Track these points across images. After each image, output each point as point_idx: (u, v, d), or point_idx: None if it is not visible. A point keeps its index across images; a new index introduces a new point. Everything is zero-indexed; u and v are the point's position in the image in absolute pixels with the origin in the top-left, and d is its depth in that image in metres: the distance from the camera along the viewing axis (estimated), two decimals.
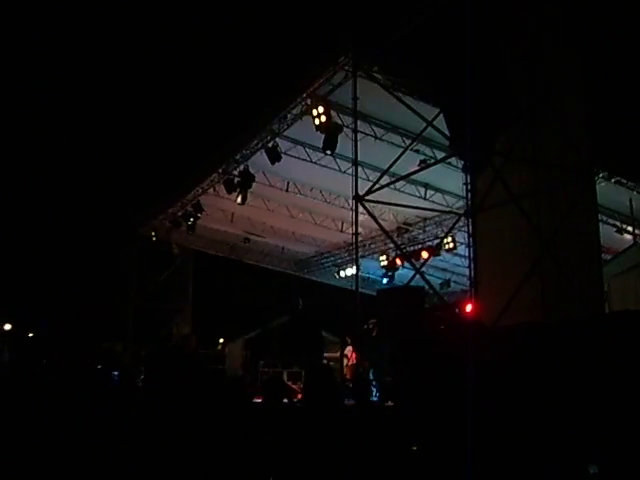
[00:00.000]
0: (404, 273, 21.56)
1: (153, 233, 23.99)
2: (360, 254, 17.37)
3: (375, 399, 11.74)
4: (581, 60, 12.14)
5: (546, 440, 6.17)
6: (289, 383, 17.02)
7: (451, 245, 20.39)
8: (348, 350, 15.72)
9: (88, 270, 27.30)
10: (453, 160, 14.94)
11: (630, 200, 16.75)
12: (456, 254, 20.97)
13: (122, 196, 25.66)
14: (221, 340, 26.71)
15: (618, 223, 18.29)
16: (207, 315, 26.91)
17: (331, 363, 16.83)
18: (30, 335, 26.20)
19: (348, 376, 14.74)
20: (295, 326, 14.38)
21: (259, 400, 7.27)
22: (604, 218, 16.97)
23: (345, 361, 15.33)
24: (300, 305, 15.34)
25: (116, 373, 12.02)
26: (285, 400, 7.13)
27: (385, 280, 23.48)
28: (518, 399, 6.39)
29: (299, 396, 14.11)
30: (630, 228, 17.94)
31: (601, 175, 14.96)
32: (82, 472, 5.43)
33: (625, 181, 16.23)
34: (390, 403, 9.44)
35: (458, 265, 21.94)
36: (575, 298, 10.89)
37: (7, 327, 26.41)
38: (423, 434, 7.18)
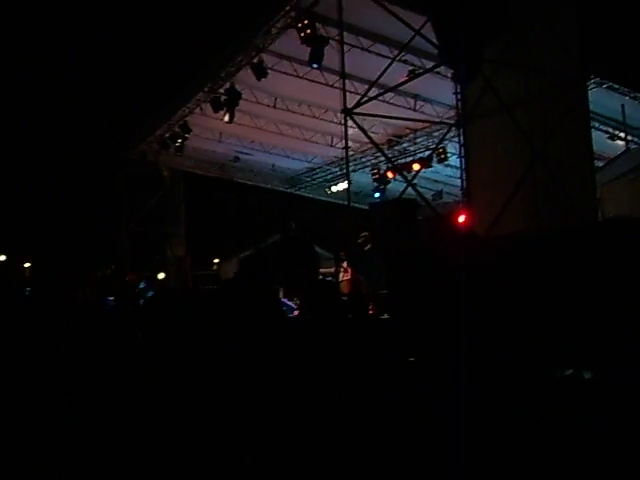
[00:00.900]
0: (396, 186, 21.48)
1: (142, 157, 23.78)
2: (351, 168, 17.26)
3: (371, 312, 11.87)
4: None
5: (529, 344, 6.24)
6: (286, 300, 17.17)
7: (442, 156, 20.27)
8: (345, 264, 15.80)
9: (79, 195, 27.18)
10: (442, 69, 14.73)
11: (622, 106, 16.60)
12: (448, 165, 20.86)
13: (109, 119, 25.33)
14: (216, 260, 26.83)
15: (610, 129, 18.16)
16: (201, 236, 26.94)
17: (327, 278, 16.91)
18: (26, 265, 26.18)
19: (345, 290, 14.83)
20: (288, 243, 14.35)
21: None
22: (596, 125, 16.81)
23: (341, 275, 15.40)
24: (293, 225, 15.30)
25: (111, 298, 12.02)
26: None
27: (377, 194, 23.46)
28: (511, 308, 6.42)
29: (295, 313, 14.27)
30: (622, 134, 17.84)
31: (593, 81, 14.75)
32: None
33: (617, 86, 16.03)
34: (386, 316, 9.50)
35: (450, 176, 21.84)
36: (568, 206, 10.90)
37: (2, 258, 26.42)
38: (419, 345, 7.24)
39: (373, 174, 23.40)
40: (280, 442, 4.36)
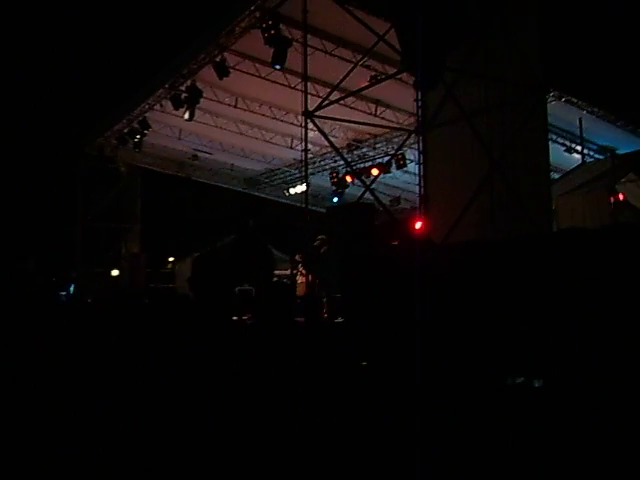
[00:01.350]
0: (354, 191, 21.53)
1: (99, 151, 23.49)
2: (310, 171, 17.26)
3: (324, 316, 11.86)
4: None
5: (481, 352, 6.28)
6: None
7: (401, 162, 20.36)
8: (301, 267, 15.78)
9: (33, 190, 26.68)
10: (404, 76, 14.77)
11: (580, 120, 16.83)
12: (406, 171, 20.98)
13: (66, 113, 24.95)
14: (171, 259, 26.57)
15: (567, 142, 18.43)
16: (156, 234, 26.66)
17: (284, 280, 16.86)
18: None
19: (300, 293, 14.81)
20: (244, 244, 14.28)
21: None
22: (554, 137, 17.06)
23: (298, 278, 15.36)
24: (250, 224, 15.24)
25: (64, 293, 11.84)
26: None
27: (335, 198, 23.48)
28: (464, 315, 6.46)
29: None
30: (579, 148, 18.09)
31: (552, 94, 14.94)
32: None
33: (575, 100, 16.26)
34: (340, 319, 9.50)
35: (408, 182, 21.97)
36: (523, 216, 11.01)
37: None
38: (372, 349, 7.24)
39: (332, 178, 23.40)
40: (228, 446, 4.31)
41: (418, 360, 5.03)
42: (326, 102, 13.10)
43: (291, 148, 22.40)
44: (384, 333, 6.69)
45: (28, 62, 26.81)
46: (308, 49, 13.38)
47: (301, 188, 23.65)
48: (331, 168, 23.42)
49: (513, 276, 6.14)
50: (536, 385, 6.37)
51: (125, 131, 21.82)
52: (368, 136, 21.74)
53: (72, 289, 16.95)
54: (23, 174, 27.12)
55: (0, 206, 26.76)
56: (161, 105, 19.70)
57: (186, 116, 18.66)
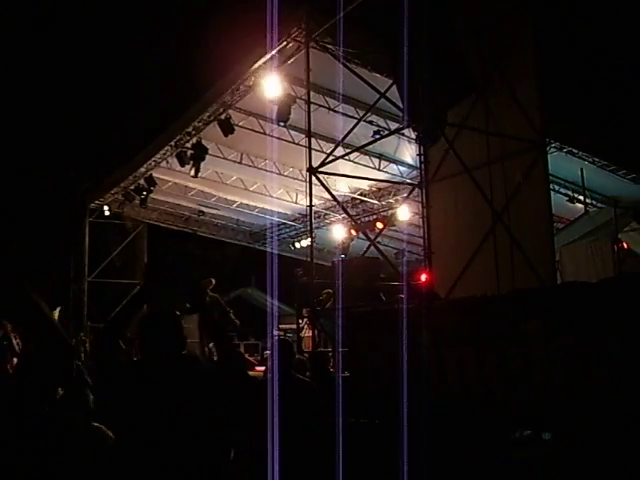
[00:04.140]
0: (359, 244, 21.60)
1: (106, 207, 23.68)
2: (315, 225, 17.35)
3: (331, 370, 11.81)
4: (534, 30, 12.20)
5: (487, 405, 6.28)
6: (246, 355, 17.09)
7: (406, 217, 20.43)
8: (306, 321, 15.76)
9: (40, 247, 26.79)
10: (407, 131, 14.98)
11: (581, 170, 16.95)
12: (411, 224, 21.06)
13: (73, 171, 25.17)
14: (177, 313, 26.49)
15: (570, 192, 18.52)
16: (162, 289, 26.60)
17: (288, 334, 16.85)
18: None
19: (306, 347, 14.78)
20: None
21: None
22: (556, 188, 17.16)
23: (304, 332, 15.35)
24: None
25: None
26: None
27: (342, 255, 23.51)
28: (471, 368, 6.48)
29: (257, 369, 14.14)
30: (581, 197, 18.18)
31: (552, 145, 15.09)
32: None
33: (576, 151, 16.39)
34: (346, 374, 9.49)
35: (413, 235, 22.03)
36: (527, 267, 11.07)
37: None
38: (379, 405, 7.24)
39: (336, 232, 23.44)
40: None
41: (423, 415, 5.05)
42: (330, 158, 13.27)
43: (296, 203, 22.59)
44: (389, 388, 6.69)
45: (37, 118, 27.15)
46: (311, 105, 13.58)
47: (306, 242, 23.75)
48: (336, 221, 23.51)
49: (515, 330, 6.18)
50: (544, 438, 6.36)
51: (131, 188, 22.00)
52: (372, 189, 21.88)
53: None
54: (30, 230, 27.29)
55: (6, 261, 26.85)
56: (167, 162, 19.92)
57: (192, 173, 18.84)
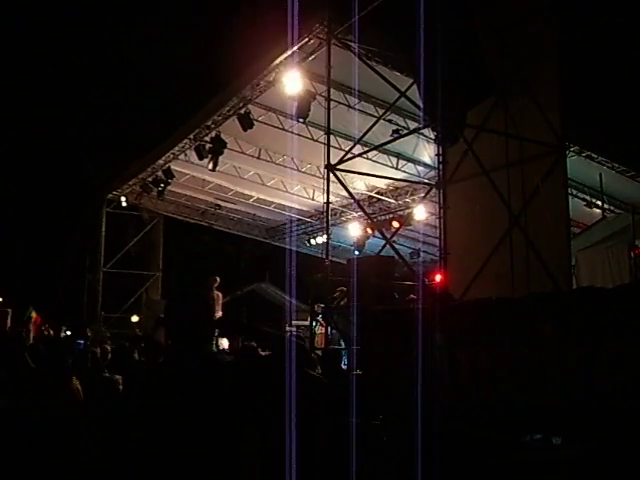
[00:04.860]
0: (375, 242, 21.59)
1: (123, 199, 23.80)
2: (331, 222, 17.35)
3: (344, 367, 11.82)
4: (555, 31, 12.13)
5: (498, 409, 6.28)
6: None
7: (422, 217, 20.40)
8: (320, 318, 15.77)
9: (57, 237, 26.96)
10: (426, 131, 14.96)
11: (600, 175, 16.86)
12: (427, 224, 21.02)
13: (91, 162, 25.32)
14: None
15: (588, 197, 18.43)
16: (177, 282, 26.77)
17: (300, 331, 16.89)
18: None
19: (319, 344, 14.80)
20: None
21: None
22: (574, 192, 17.07)
23: (317, 329, 15.37)
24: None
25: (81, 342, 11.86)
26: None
27: (357, 251, 23.51)
28: (483, 371, 6.47)
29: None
30: (599, 202, 18.08)
31: (572, 149, 15.02)
32: None
33: (596, 156, 16.31)
34: (358, 372, 9.50)
35: (429, 235, 21.99)
36: (543, 271, 11.03)
37: None
38: (391, 403, 7.25)
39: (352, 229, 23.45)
40: None
41: (435, 415, 5.05)
42: (348, 155, 13.27)
43: (313, 199, 22.61)
44: (401, 388, 6.70)
45: (56, 112, 27.33)
46: (331, 103, 13.58)
47: (322, 239, 23.76)
48: (352, 219, 23.51)
49: (529, 333, 6.16)
50: (555, 442, 6.34)
51: (149, 179, 22.11)
52: (389, 188, 21.86)
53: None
54: (46, 221, 27.48)
55: (22, 253, 27.05)
56: (185, 155, 19.99)
57: (210, 166, 18.90)
